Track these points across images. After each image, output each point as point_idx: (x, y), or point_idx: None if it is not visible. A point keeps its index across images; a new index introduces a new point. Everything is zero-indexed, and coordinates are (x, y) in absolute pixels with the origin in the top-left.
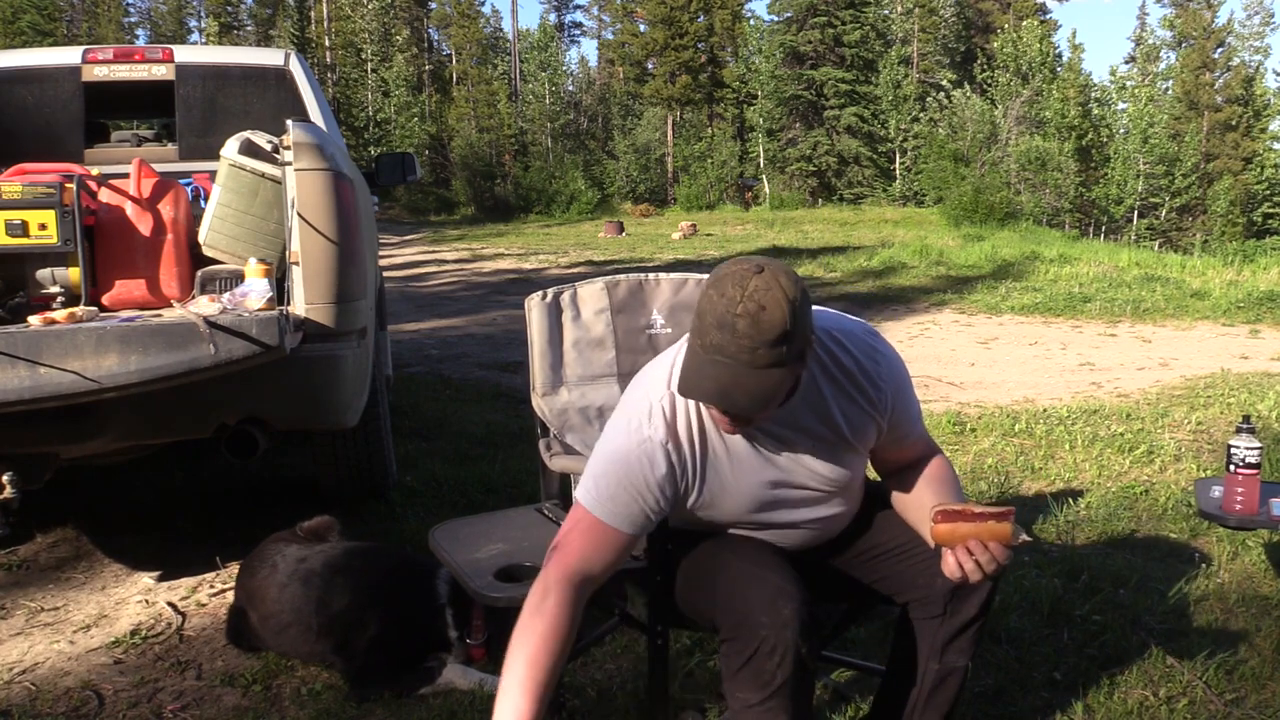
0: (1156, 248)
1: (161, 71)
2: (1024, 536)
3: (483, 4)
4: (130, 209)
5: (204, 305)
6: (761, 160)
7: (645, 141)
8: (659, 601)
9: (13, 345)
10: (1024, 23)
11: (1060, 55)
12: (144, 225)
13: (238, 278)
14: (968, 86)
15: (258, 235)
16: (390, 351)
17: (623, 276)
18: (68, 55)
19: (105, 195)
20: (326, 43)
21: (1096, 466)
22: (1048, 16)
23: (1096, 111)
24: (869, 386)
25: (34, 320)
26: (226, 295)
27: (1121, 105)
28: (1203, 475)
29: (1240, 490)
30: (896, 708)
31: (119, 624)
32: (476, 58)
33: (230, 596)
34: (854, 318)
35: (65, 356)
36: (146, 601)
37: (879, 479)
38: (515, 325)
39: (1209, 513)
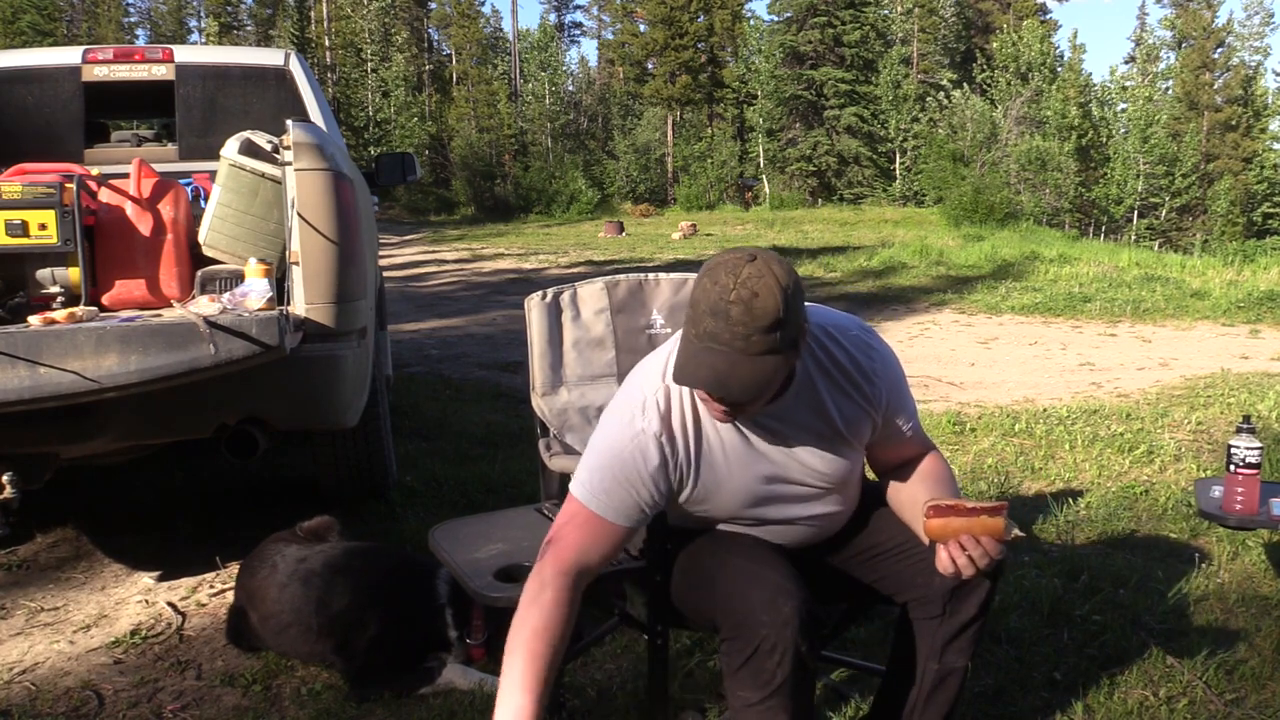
0: (1156, 248)
1: (161, 71)
2: (1016, 531)
3: (483, 4)
4: (130, 209)
5: (204, 305)
6: (761, 160)
7: (645, 141)
8: (659, 601)
9: (13, 345)
10: (1024, 23)
11: (1061, 55)
12: (144, 225)
13: (238, 278)
14: (968, 86)
15: (258, 235)
16: (390, 351)
17: (623, 276)
18: (68, 55)
19: (105, 195)
20: (326, 43)
21: (1096, 466)
22: (1048, 17)
23: (1096, 112)
24: (863, 381)
25: (34, 320)
26: (226, 295)
27: (1122, 105)
28: (1203, 475)
29: (1240, 490)
30: (896, 708)
31: (119, 624)
32: (476, 58)
33: (230, 596)
34: (847, 314)
35: (65, 356)
36: (146, 601)
37: (876, 479)
38: (515, 325)
39: (1209, 513)
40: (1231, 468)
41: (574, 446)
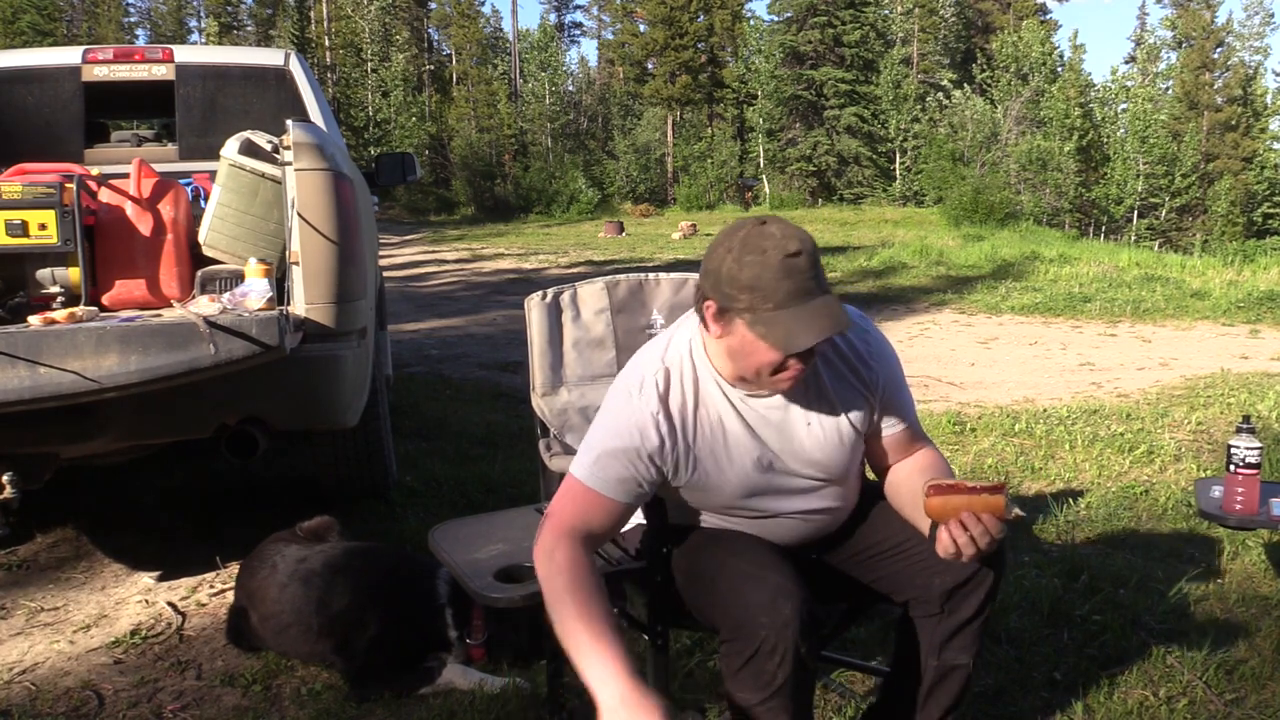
0: (1156, 248)
1: (161, 71)
2: (1017, 511)
3: (483, 4)
4: (130, 209)
5: (204, 305)
6: (761, 160)
7: (645, 141)
8: (659, 601)
9: (13, 345)
10: (1024, 23)
11: (1061, 55)
12: (144, 225)
13: (238, 278)
14: (968, 86)
15: (258, 235)
16: (390, 351)
17: (623, 276)
18: (68, 55)
19: (105, 195)
20: (326, 43)
21: (1096, 466)
22: (1048, 17)
23: (1097, 112)
24: (860, 366)
25: (34, 320)
26: (226, 295)
27: (1122, 105)
28: (1203, 475)
29: (1240, 490)
30: (897, 704)
31: (119, 624)
32: (476, 58)
33: (230, 596)
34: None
35: (65, 356)
36: (146, 601)
37: (875, 479)
38: (515, 325)
39: (1209, 513)
40: (1231, 468)
41: (574, 446)
